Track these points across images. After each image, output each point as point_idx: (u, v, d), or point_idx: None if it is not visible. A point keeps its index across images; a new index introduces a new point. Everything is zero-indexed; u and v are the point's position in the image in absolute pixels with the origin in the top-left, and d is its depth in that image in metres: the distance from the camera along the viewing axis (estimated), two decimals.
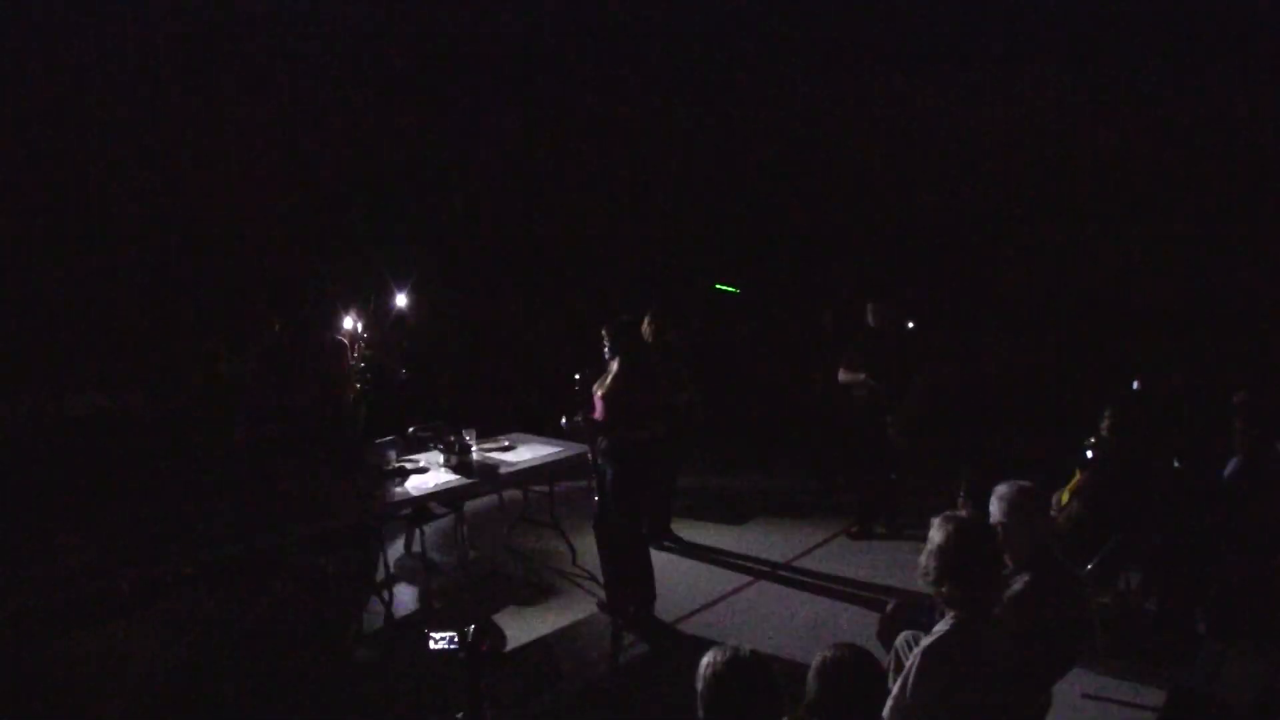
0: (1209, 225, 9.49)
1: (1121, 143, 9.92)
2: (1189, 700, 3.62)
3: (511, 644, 4.40)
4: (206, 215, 8.92)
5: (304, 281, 8.51)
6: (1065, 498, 4.79)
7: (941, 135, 10.54)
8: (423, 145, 10.29)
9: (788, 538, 6.37)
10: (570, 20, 10.08)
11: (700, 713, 2.17)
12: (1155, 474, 4.81)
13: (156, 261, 8.55)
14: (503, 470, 5.50)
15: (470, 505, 6.18)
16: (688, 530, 6.38)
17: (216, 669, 4.40)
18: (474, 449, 5.56)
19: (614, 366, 4.83)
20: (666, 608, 5.08)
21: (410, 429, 5.96)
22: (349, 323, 6.93)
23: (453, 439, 5.50)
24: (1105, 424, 4.79)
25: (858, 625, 4.66)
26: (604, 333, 4.91)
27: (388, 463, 5.37)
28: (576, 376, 5.13)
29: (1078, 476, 4.76)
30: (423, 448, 5.80)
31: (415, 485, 5.10)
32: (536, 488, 6.40)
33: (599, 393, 4.87)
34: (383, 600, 5.17)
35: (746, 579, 5.62)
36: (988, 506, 3.20)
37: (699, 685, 2.17)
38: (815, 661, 2.30)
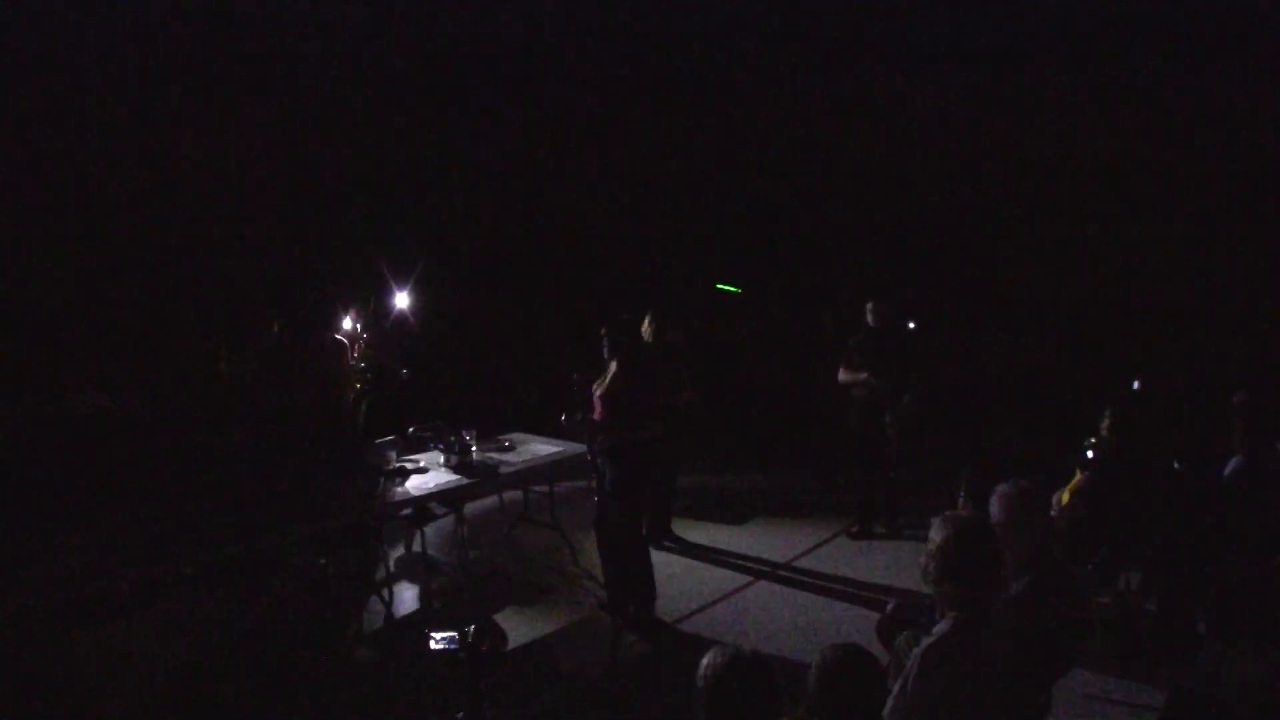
0: (1209, 225, 9.49)
1: (1121, 143, 9.92)
2: (1189, 700, 3.61)
3: (511, 644, 4.40)
4: (206, 215, 8.92)
5: (304, 281, 8.51)
6: (1065, 498, 4.78)
7: (942, 135, 10.55)
8: (423, 145, 10.29)
9: (788, 538, 6.37)
10: (570, 20, 10.09)
11: (700, 713, 2.17)
12: (1155, 474, 4.80)
13: (156, 261, 8.55)
14: (503, 470, 5.50)
15: (470, 505, 6.18)
16: (688, 530, 6.38)
17: (216, 669, 4.40)
18: (474, 449, 5.56)
19: (612, 366, 4.84)
20: (666, 608, 5.07)
21: (410, 429, 5.96)
22: (349, 323, 6.93)
23: (453, 439, 5.50)
24: (1105, 424, 4.79)
25: (858, 625, 4.65)
26: (603, 333, 4.91)
27: (388, 463, 5.37)
28: (575, 376, 5.14)
29: (1078, 476, 4.76)
30: (423, 448, 5.80)
31: (415, 485, 5.10)
32: (537, 488, 6.40)
33: (598, 393, 4.87)
34: (383, 600, 5.17)
35: (746, 579, 5.62)
36: (988, 506, 3.20)
37: (699, 685, 2.17)
38: (815, 661, 2.30)
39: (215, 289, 8.61)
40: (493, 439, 5.97)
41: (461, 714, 2.66)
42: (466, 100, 10.39)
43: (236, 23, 8.93)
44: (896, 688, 2.53)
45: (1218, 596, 4.28)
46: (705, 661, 2.18)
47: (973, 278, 10.50)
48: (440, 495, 5.19)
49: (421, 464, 5.43)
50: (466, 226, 10.67)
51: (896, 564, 5.64)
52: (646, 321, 5.85)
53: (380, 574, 5.41)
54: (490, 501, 6.68)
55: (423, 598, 5.50)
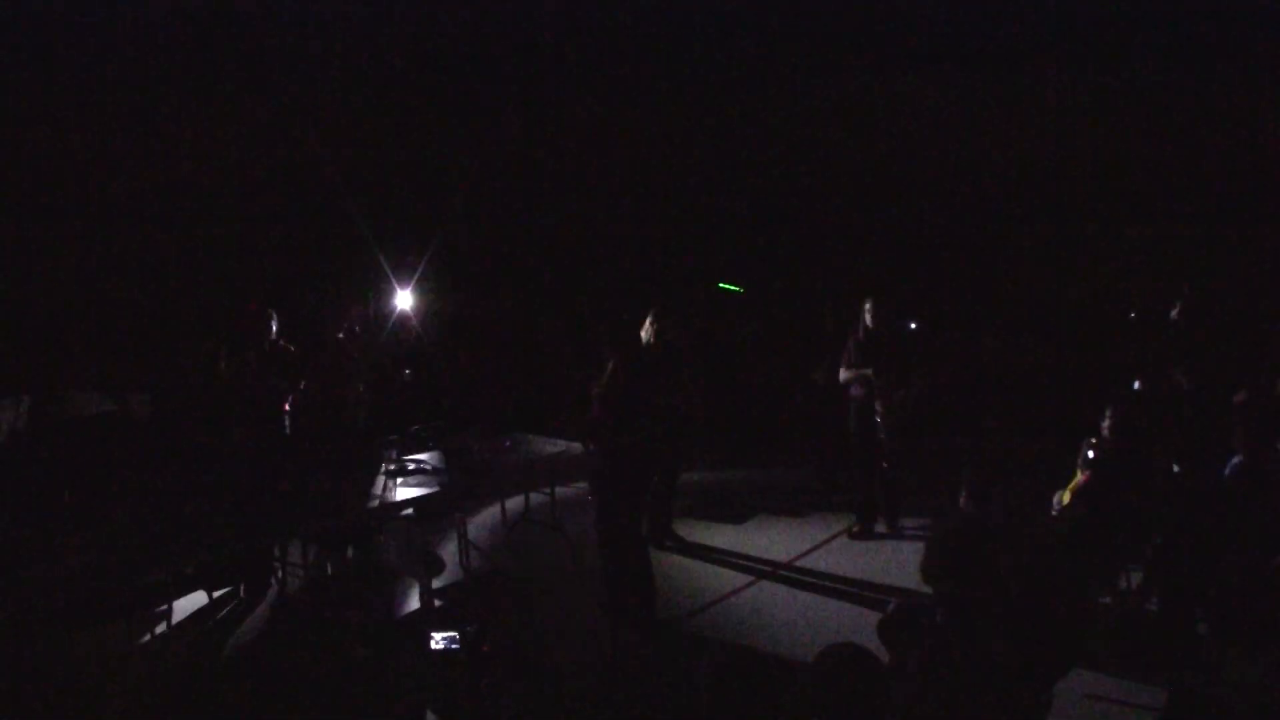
0: (1209, 226, 9.49)
1: (1121, 143, 9.92)
2: (1189, 700, 3.61)
3: (512, 644, 4.40)
4: (206, 215, 8.93)
5: (304, 281, 8.51)
6: (1066, 497, 4.79)
7: (942, 135, 10.55)
8: (423, 145, 10.29)
9: (788, 537, 6.36)
10: (570, 20, 10.08)
11: (700, 713, 2.17)
12: (1155, 474, 4.80)
13: (156, 261, 8.55)
14: (503, 470, 5.50)
15: (470, 506, 6.17)
16: (688, 530, 6.38)
17: (216, 669, 4.40)
18: (474, 449, 5.56)
19: (611, 366, 4.83)
20: (667, 608, 5.07)
21: (410, 429, 5.96)
22: (349, 323, 6.93)
23: (453, 439, 5.50)
24: (1106, 424, 4.79)
25: (858, 625, 4.65)
26: (602, 332, 4.91)
27: (388, 462, 5.37)
28: (574, 377, 5.14)
29: (1078, 476, 4.76)
30: (423, 448, 5.80)
31: (416, 485, 5.10)
32: (537, 488, 6.40)
33: (597, 392, 4.87)
34: (383, 600, 5.17)
35: (747, 579, 5.62)
36: (988, 506, 3.20)
37: (699, 686, 2.16)
38: (815, 661, 2.29)
39: (215, 289, 8.61)
40: (493, 439, 5.97)
41: (462, 714, 2.66)
42: (466, 100, 10.40)
43: (236, 22, 8.92)
44: (899, 689, 2.53)
45: (1218, 596, 4.28)
46: (705, 662, 2.18)
47: (973, 278, 10.51)
48: (439, 495, 5.19)
49: (421, 464, 5.43)
50: (466, 226, 10.67)
51: (897, 564, 5.64)
52: (648, 321, 5.85)
53: (380, 574, 5.42)
54: (490, 502, 6.68)
55: (423, 598, 5.50)
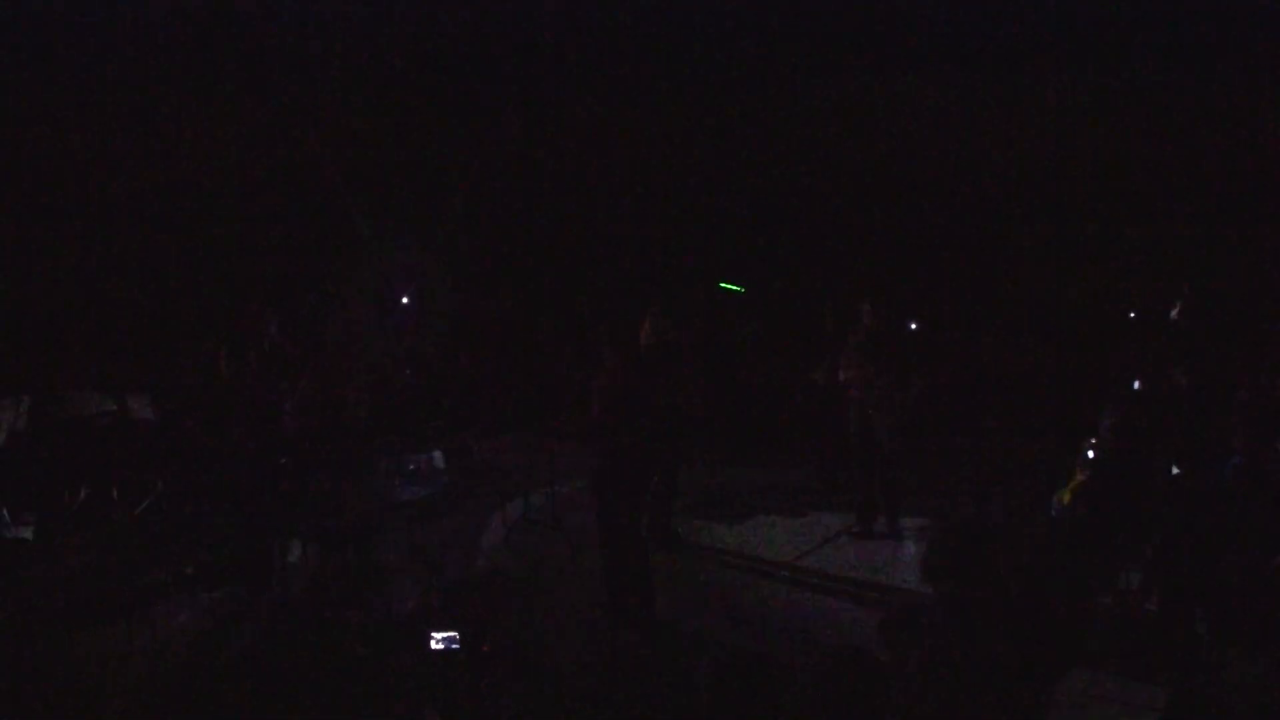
0: (1209, 226, 9.50)
1: (1121, 143, 9.92)
2: (1189, 700, 3.61)
3: (512, 644, 4.40)
4: (206, 215, 8.93)
5: (304, 281, 8.52)
6: (1066, 498, 4.78)
7: (942, 135, 10.55)
8: (423, 145, 10.29)
9: (789, 537, 6.36)
10: (570, 20, 10.09)
11: (700, 713, 2.17)
12: (1155, 474, 4.80)
13: (156, 261, 8.56)
14: (502, 470, 5.50)
15: (470, 505, 6.17)
16: (688, 530, 6.38)
17: (216, 669, 4.40)
18: (474, 449, 5.56)
19: (610, 366, 4.83)
20: (666, 608, 5.07)
21: (410, 429, 5.96)
22: (348, 323, 6.93)
23: (453, 439, 5.51)
24: (1105, 424, 4.78)
25: (858, 625, 4.65)
26: (602, 332, 4.91)
27: (389, 462, 5.38)
28: (574, 376, 5.14)
29: (1078, 476, 4.76)
30: (423, 447, 5.80)
31: (416, 485, 5.10)
32: (536, 488, 6.40)
33: (596, 392, 4.87)
34: (383, 600, 5.17)
35: (747, 578, 5.62)
36: (988, 506, 3.20)
37: (699, 685, 2.17)
38: (816, 661, 2.29)
39: (215, 289, 8.62)
40: (492, 439, 5.98)
41: (462, 714, 2.66)
42: (466, 100, 10.40)
43: (236, 22, 8.93)
44: (899, 689, 2.53)
45: (1218, 596, 4.28)
46: (705, 661, 2.18)
47: (973, 278, 10.51)
48: (439, 494, 5.19)
49: (421, 464, 5.44)
50: (466, 226, 10.68)
51: (897, 563, 5.64)
52: (648, 321, 5.84)
53: (380, 574, 5.41)
54: (490, 502, 6.68)
55: (423, 598, 5.50)
